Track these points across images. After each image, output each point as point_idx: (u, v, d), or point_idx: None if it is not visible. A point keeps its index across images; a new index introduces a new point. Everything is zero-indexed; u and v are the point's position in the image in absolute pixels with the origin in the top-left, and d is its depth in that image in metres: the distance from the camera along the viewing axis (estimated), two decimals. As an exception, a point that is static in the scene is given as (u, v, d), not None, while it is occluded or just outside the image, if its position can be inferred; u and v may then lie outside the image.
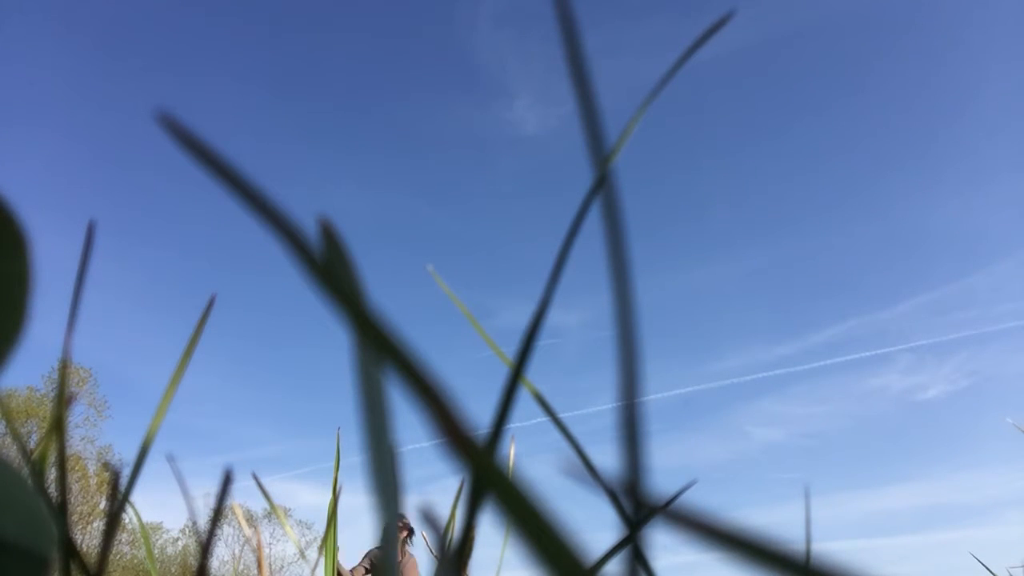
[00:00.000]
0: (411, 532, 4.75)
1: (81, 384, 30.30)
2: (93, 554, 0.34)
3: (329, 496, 0.84)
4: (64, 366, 0.35)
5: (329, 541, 0.81)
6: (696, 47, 0.29)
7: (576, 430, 0.34)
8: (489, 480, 0.14)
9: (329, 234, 0.19)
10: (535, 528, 0.13)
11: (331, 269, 0.17)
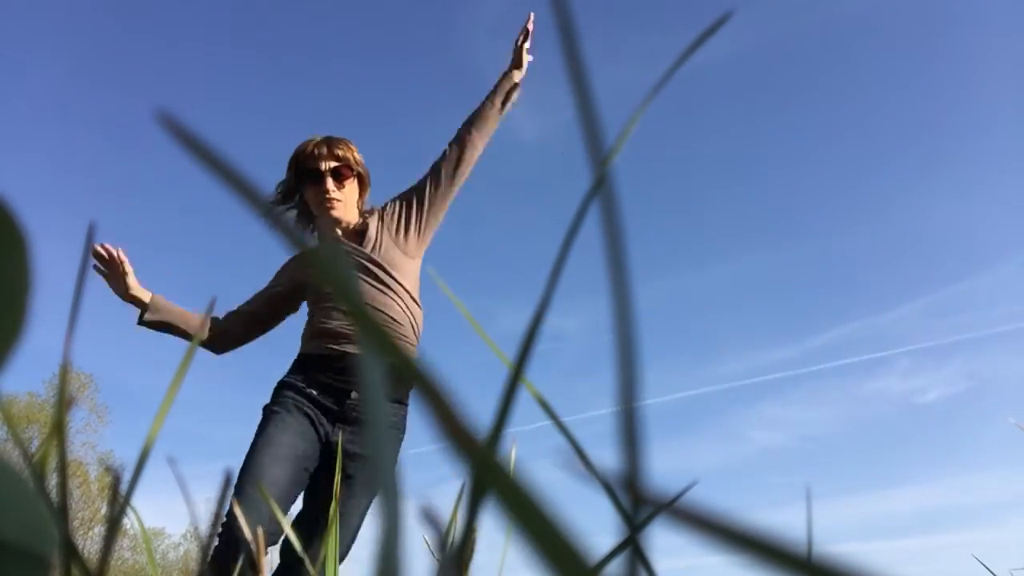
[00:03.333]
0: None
1: (82, 389, 30.29)
2: (94, 559, 0.34)
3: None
4: (64, 371, 0.35)
5: (329, 545, 0.81)
6: (694, 48, 0.29)
7: (576, 434, 0.34)
8: (491, 481, 0.13)
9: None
10: (537, 529, 0.13)
11: (331, 270, 0.17)
